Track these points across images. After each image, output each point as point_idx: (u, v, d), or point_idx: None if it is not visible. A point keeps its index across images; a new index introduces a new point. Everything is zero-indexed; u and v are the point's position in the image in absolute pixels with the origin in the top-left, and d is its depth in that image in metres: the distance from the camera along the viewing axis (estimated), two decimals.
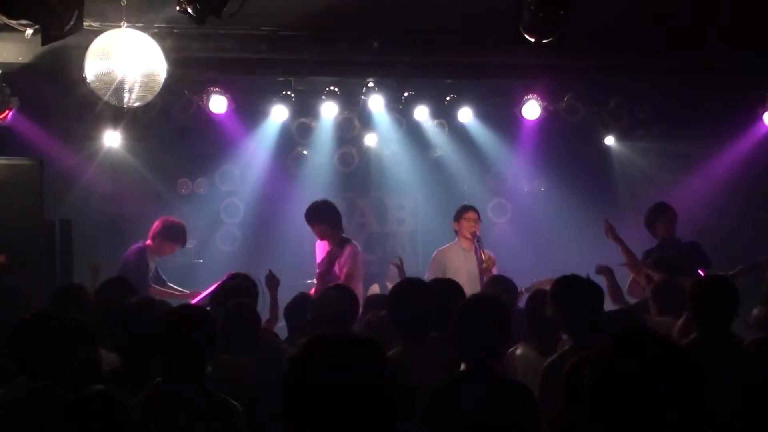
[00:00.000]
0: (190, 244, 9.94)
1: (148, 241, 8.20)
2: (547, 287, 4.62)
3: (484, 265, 7.90)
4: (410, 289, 4.75)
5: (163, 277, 8.34)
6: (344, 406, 2.10)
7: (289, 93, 9.96)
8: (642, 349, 2.09)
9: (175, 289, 8.27)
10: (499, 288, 6.13)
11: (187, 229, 9.62)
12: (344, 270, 7.54)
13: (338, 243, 7.70)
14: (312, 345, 2.20)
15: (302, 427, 2.13)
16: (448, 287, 5.21)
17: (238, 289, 5.41)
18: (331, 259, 7.46)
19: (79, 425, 3.11)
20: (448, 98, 10.22)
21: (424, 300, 4.63)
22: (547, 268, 9.06)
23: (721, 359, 3.98)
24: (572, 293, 4.37)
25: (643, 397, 2.01)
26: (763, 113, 9.79)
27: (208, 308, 5.39)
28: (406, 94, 10.06)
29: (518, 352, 5.17)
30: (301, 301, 5.57)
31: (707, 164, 10.22)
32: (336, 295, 5.32)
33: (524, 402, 3.88)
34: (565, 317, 4.36)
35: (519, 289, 7.41)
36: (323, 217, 7.78)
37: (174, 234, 8.25)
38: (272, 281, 6.47)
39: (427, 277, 7.92)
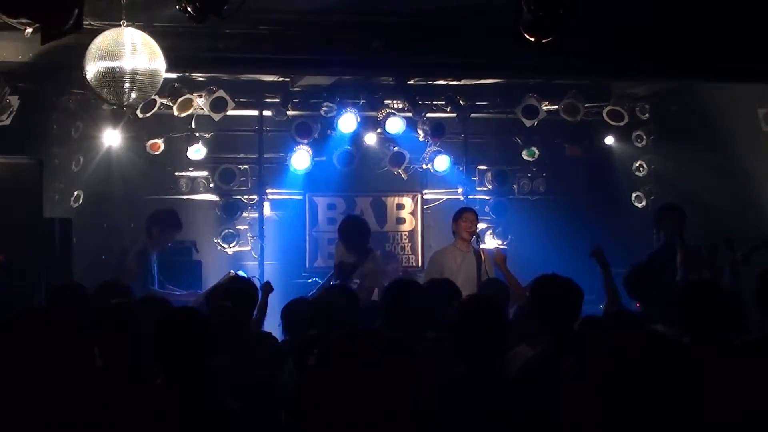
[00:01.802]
0: (190, 243, 9.97)
1: (147, 237, 8.22)
2: None
3: (497, 258, 7.87)
4: (402, 292, 4.75)
5: (161, 278, 8.33)
6: (371, 404, 2.10)
7: (289, 92, 9.96)
8: (643, 350, 2.11)
9: (174, 290, 8.27)
10: (494, 289, 6.13)
11: (188, 229, 9.65)
12: (365, 283, 7.84)
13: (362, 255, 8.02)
14: (342, 343, 2.20)
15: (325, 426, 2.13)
16: (445, 287, 5.21)
17: (234, 291, 5.40)
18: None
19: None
20: (447, 98, 10.22)
21: (417, 302, 4.62)
22: (546, 269, 9.07)
23: (713, 364, 3.97)
24: (549, 292, 4.39)
25: (643, 397, 2.02)
26: (760, 112, 9.81)
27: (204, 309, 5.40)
28: (405, 92, 10.06)
29: (519, 352, 5.16)
30: (297, 303, 5.57)
31: (707, 164, 10.21)
32: (335, 296, 5.33)
33: (523, 402, 3.88)
34: (542, 317, 4.37)
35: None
36: (341, 237, 8.28)
37: (173, 221, 8.33)
38: (267, 289, 6.60)
39: (424, 278, 7.95)
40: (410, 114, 10.28)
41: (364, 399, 2.10)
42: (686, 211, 7.88)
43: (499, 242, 10.98)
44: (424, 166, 10.87)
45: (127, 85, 5.78)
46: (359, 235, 8.15)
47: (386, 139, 10.64)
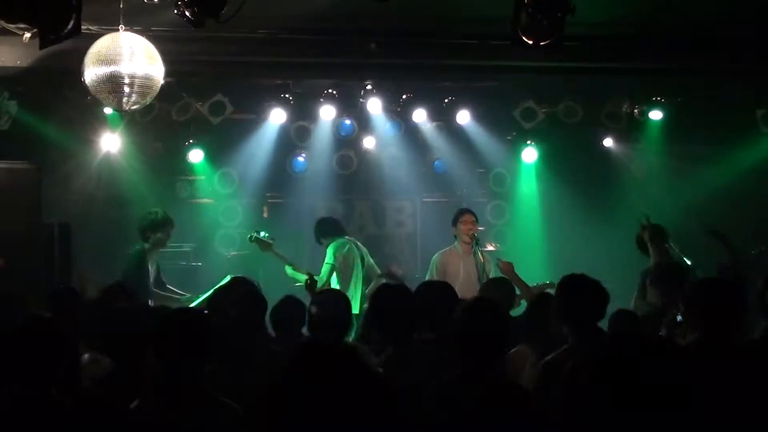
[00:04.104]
0: (189, 247, 9.97)
1: (144, 242, 8.18)
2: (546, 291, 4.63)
3: (503, 269, 7.83)
4: (388, 298, 4.73)
5: (163, 279, 8.32)
6: (333, 411, 2.13)
7: (287, 96, 9.97)
8: (637, 353, 2.12)
9: (175, 293, 8.25)
10: (496, 290, 6.12)
11: (187, 233, 9.63)
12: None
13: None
14: (301, 355, 2.23)
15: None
16: (440, 289, 5.20)
17: (237, 293, 5.39)
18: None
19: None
20: (446, 100, 10.23)
21: (404, 305, 4.62)
22: (545, 271, 9.07)
23: (723, 361, 3.98)
24: (577, 292, 4.41)
25: (636, 400, 2.03)
26: (757, 113, 9.84)
27: (206, 311, 5.39)
28: (404, 96, 10.07)
29: (519, 352, 5.17)
30: (288, 303, 5.56)
31: (707, 165, 10.23)
32: (335, 299, 5.32)
33: (522, 405, 3.88)
34: (567, 315, 4.40)
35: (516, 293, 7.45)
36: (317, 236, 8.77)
37: (164, 222, 8.27)
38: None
39: (427, 279, 7.96)
40: (409, 117, 10.28)
41: (322, 407, 2.14)
42: (685, 212, 7.89)
43: (497, 245, 10.97)
44: (424, 170, 10.87)
45: (125, 89, 5.78)
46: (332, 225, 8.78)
47: (385, 142, 10.65)
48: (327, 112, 10.02)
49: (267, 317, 5.34)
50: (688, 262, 7.74)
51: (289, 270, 8.43)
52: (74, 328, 4.47)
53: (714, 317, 4.33)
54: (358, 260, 8.61)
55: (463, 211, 8.56)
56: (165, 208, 9.19)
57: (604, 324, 4.75)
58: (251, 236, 8.72)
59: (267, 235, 8.65)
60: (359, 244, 8.85)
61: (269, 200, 10.85)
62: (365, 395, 2.20)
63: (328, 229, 8.81)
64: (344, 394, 2.17)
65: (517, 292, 7.61)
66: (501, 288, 6.36)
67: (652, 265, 7.29)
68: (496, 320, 4.01)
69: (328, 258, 8.47)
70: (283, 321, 5.43)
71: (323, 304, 5.26)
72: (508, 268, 7.67)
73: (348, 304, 5.33)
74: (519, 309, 7.12)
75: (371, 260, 8.75)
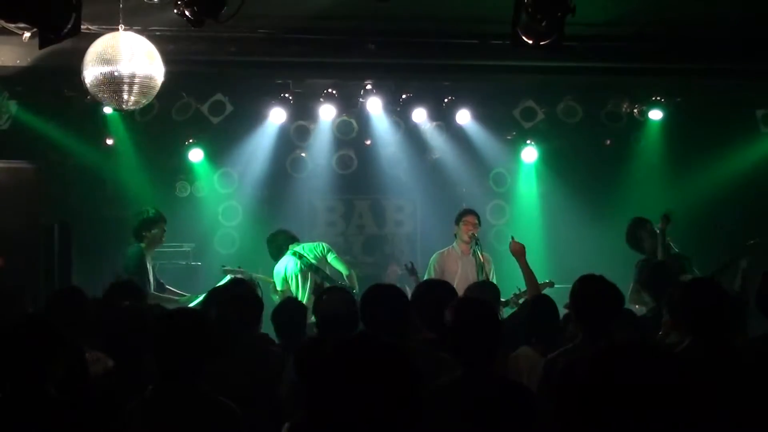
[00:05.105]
0: (188, 247, 9.96)
1: (140, 242, 8.12)
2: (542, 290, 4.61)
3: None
4: (378, 298, 4.71)
5: (161, 281, 8.31)
6: (367, 405, 2.12)
7: (287, 95, 9.97)
8: (630, 355, 2.13)
9: (174, 293, 8.24)
10: (481, 294, 6.11)
11: (186, 232, 9.62)
12: None
13: None
14: (342, 347, 2.21)
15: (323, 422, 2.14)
16: (440, 288, 5.20)
17: (238, 296, 5.40)
18: None
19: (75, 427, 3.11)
20: (446, 100, 10.23)
21: (392, 307, 4.61)
22: (546, 271, 9.06)
23: (717, 365, 3.97)
24: (594, 292, 4.41)
25: (630, 400, 2.04)
26: (757, 113, 9.85)
27: (204, 311, 5.39)
28: (404, 96, 10.06)
29: (522, 354, 5.16)
30: (288, 304, 5.55)
31: (707, 165, 10.23)
32: (341, 297, 5.31)
33: (524, 403, 3.88)
34: (580, 314, 4.40)
35: (514, 293, 7.44)
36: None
37: (156, 219, 8.19)
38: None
39: (425, 278, 7.94)
40: (409, 116, 10.28)
41: (364, 402, 2.11)
42: (684, 212, 7.88)
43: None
44: (424, 169, 10.87)
45: (125, 89, 5.78)
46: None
47: (385, 141, 10.65)
48: (327, 112, 10.02)
49: (266, 318, 5.35)
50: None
51: (273, 296, 8.14)
52: (76, 328, 4.46)
53: (701, 319, 4.32)
54: (303, 273, 8.33)
55: (467, 211, 8.58)
56: (165, 207, 9.20)
57: None
58: (223, 267, 8.59)
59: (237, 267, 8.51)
60: (307, 248, 8.50)
61: (269, 200, 10.84)
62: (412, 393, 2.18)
63: (270, 253, 8.62)
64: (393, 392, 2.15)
65: (515, 292, 7.61)
66: (486, 291, 6.34)
67: (651, 260, 7.32)
68: (489, 319, 3.98)
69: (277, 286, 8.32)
70: (284, 322, 5.43)
71: (329, 302, 5.26)
72: (519, 248, 7.05)
73: (353, 301, 5.32)
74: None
75: (332, 258, 8.44)
